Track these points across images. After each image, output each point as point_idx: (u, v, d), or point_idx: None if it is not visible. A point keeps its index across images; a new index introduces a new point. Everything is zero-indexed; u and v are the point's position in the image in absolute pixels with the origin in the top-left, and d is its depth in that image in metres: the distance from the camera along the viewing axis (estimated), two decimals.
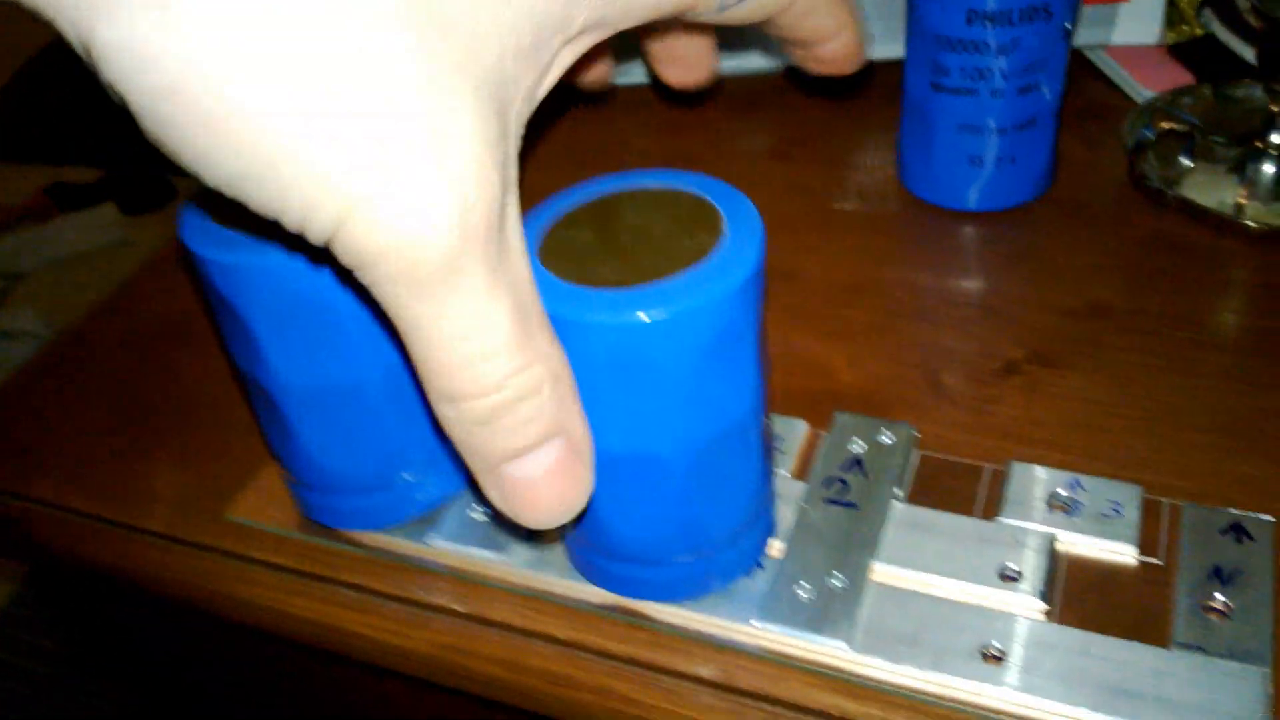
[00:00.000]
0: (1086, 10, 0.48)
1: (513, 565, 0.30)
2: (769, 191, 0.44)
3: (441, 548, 0.30)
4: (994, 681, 0.26)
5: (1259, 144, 0.42)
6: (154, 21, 0.17)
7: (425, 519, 0.31)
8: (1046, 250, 0.40)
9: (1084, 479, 0.30)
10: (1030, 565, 0.28)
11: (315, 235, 0.19)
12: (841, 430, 0.32)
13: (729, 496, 0.27)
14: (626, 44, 0.25)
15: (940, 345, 0.36)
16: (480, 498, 0.31)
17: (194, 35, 0.17)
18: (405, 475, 0.30)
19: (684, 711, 0.27)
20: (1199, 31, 0.49)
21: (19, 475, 0.36)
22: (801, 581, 0.28)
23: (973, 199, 0.41)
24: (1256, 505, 0.29)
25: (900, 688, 0.26)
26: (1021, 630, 0.27)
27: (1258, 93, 0.45)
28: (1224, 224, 0.40)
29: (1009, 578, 0.28)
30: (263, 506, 0.33)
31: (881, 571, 0.28)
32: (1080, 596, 0.28)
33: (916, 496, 0.31)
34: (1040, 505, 0.29)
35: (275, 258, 0.25)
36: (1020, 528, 0.29)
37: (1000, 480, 0.31)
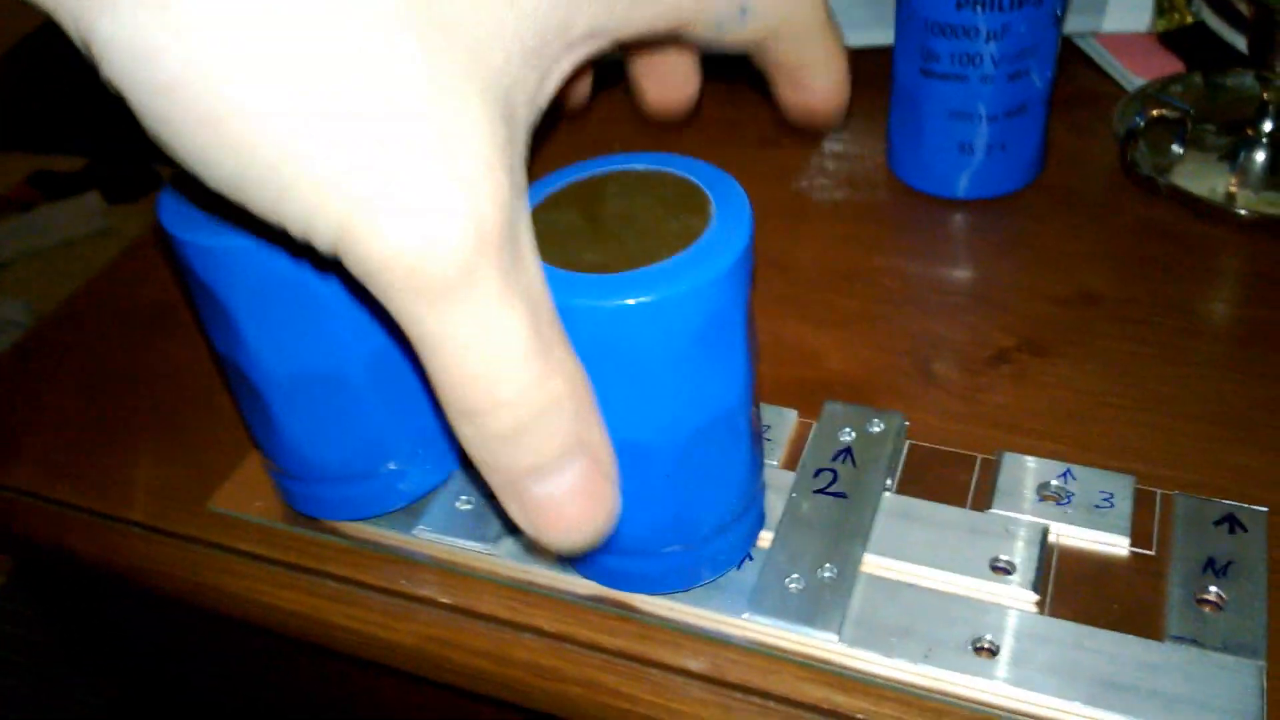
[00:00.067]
0: None
1: (499, 557, 0.29)
2: (759, 179, 0.44)
3: (427, 538, 0.30)
4: (985, 674, 0.25)
5: (1250, 132, 0.42)
6: (155, 18, 0.17)
7: (411, 509, 0.31)
8: (1037, 238, 0.40)
9: (1075, 469, 0.30)
10: (1022, 556, 0.28)
11: (321, 242, 0.18)
12: (831, 419, 0.32)
13: (718, 487, 0.26)
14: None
15: (931, 334, 0.36)
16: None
17: (195, 33, 0.17)
18: (389, 464, 0.30)
19: (673, 705, 0.27)
20: (1189, 19, 0.49)
21: None
22: (791, 573, 0.28)
23: (963, 186, 0.41)
24: (1250, 496, 0.29)
25: (891, 680, 0.26)
26: (1013, 622, 0.26)
27: (1248, 80, 0.45)
28: (1215, 212, 0.40)
29: (1000, 569, 0.27)
30: (246, 497, 0.33)
31: (872, 563, 0.28)
32: (1072, 588, 0.28)
33: (907, 486, 0.30)
34: (1031, 496, 0.29)
35: (255, 241, 0.24)
36: (1012, 518, 0.29)
37: (991, 470, 0.30)
